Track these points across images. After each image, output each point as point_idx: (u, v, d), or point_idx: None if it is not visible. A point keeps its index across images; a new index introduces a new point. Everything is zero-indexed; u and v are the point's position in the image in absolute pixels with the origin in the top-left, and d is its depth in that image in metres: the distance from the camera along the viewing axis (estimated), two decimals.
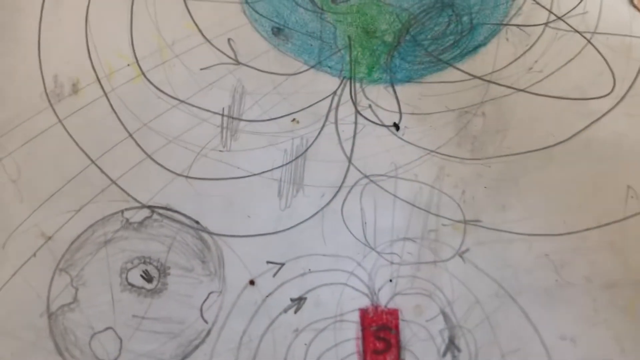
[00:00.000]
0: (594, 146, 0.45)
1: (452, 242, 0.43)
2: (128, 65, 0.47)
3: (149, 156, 0.44)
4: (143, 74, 0.46)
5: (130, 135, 0.45)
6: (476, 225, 0.43)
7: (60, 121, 0.45)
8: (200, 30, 0.47)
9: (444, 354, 0.41)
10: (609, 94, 0.46)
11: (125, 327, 0.41)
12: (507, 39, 0.47)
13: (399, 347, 0.41)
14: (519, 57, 0.47)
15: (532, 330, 0.41)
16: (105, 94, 0.46)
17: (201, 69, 0.47)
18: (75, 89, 0.46)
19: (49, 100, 0.46)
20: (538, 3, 0.46)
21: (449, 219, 0.44)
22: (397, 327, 0.42)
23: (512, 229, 0.43)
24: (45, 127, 0.45)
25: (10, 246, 0.43)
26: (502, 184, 0.44)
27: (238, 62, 0.46)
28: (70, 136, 0.45)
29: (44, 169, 0.44)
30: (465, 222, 0.43)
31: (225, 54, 0.47)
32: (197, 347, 0.41)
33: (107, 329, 0.41)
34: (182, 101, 0.46)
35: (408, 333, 0.42)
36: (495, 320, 0.42)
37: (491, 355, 0.41)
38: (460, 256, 0.43)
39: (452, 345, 0.41)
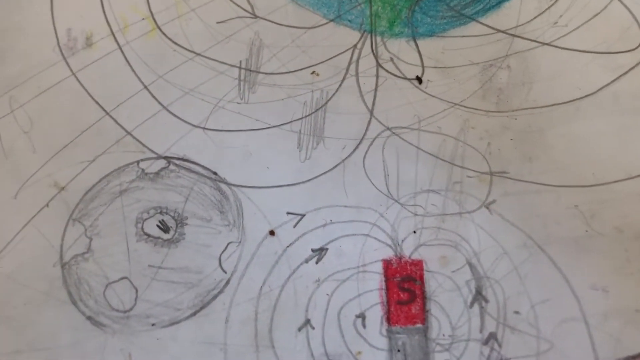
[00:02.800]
0: (622, 99, 0.53)
1: (477, 193, 0.51)
2: (143, 19, 0.55)
3: (165, 107, 0.52)
4: (158, 27, 0.55)
5: (146, 87, 0.53)
6: (502, 176, 0.51)
7: (73, 74, 0.53)
8: None
9: (471, 305, 0.48)
10: (636, 48, 0.54)
11: (141, 276, 0.48)
12: None
13: (424, 297, 0.48)
14: (543, 12, 0.56)
15: (563, 280, 0.49)
16: (120, 47, 0.54)
17: (218, 23, 0.55)
18: (89, 43, 0.54)
19: (62, 54, 0.54)
20: None
21: (474, 170, 0.51)
22: (421, 277, 0.49)
23: (539, 180, 0.51)
24: (58, 79, 0.54)
25: (22, 196, 0.50)
26: (528, 136, 0.52)
27: (255, 16, 0.55)
28: (84, 88, 0.53)
29: (57, 120, 0.52)
30: (491, 173, 0.51)
31: (242, 7, 0.55)
32: (215, 297, 0.48)
33: (122, 278, 0.48)
34: (198, 54, 0.54)
35: (433, 284, 0.49)
36: (523, 270, 0.49)
37: (520, 305, 0.48)
38: (487, 207, 0.50)
39: (479, 295, 0.48)
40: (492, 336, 0.47)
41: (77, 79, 0.53)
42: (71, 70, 0.53)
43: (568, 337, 0.47)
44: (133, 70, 0.53)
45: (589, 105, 0.52)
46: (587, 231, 0.49)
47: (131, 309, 0.48)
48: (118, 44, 0.54)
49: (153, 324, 0.47)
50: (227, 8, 0.55)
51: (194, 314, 0.47)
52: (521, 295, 0.48)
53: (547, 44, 0.54)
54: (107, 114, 0.52)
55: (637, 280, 0.48)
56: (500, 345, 0.47)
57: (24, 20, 0.55)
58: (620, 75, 0.53)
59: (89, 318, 0.47)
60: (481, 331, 0.47)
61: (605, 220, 0.49)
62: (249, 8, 0.55)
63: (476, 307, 0.48)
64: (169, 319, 0.47)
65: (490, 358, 0.46)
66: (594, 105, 0.52)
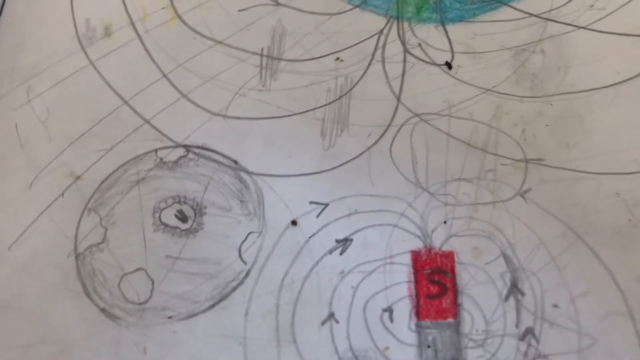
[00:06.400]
0: None
1: (512, 181, 0.49)
2: (163, 8, 0.55)
3: (184, 95, 0.52)
4: (178, 16, 0.54)
5: (165, 75, 0.52)
6: (539, 164, 0.49)
7: (91, 63, 0.53)
8: None
9: (507, 298, 0.46)
10: None
11: (158, 267, 0.47)
12: None
13: (455, 290, 0.46)
14: None
15: (605, 271, 0.46)
16: (139, 36, 0.54)
17: (239, 11, 0.54)
18: (107, 32, 0.54)
19: (81, 43, 0.54)
20: None
21: (508, 158, 0.49)
22: (453, 270, 0.47)
23: (578, 167, 0.49)
24: (76, 69, 0.53)
25: (37, 186, 0.50)
26: (565, 122, 0.50)
27: (278, 3, 0.54)
28: (102, 77, 0.53)
29: (74, 109, 0.52)
30: (526, 160, 0.49)
31: None
32: (235, 288, 0.46)
33: (138, 269, 0.47)
34: (219, 42, 0.53)
35: (465, 276, 0.47)
36: (562, 262, 0.46)
37: (559, 298, 0.46)
38: (522, 196, 0.48)
39: (515, 288, 0.46)
40: (529, 331, 0.44)
41: (95, 68, 0.53)
42: (89, 59, 0.53)
43: (612, 332, 0.44)
44: (152, 59, 0.53)
45: (629, 89, 0.51)
46: (630, 220, 0.47)
47: (147, 301, 0.46)
48: (137, 33, 0.54)
49: (169, 317, 0.45)
50: None
51: (212, 306, 0.46)
52: (560, 287, 0.46)
53: (583, 28, 0.52)
54: (126, 102, 0.52)
55: None
56: (538, 341, 0.44)
57: (42, 10, 0.55)
58: None
59: (103, 310, 0.46)
60: (517, 326, 0.45)
61: None
62: None
63: (512, 300, 0.46)
64: (186, 312, 0.46)
65: (527, 354, 0.44)
66: (634, 89, 0.50)
